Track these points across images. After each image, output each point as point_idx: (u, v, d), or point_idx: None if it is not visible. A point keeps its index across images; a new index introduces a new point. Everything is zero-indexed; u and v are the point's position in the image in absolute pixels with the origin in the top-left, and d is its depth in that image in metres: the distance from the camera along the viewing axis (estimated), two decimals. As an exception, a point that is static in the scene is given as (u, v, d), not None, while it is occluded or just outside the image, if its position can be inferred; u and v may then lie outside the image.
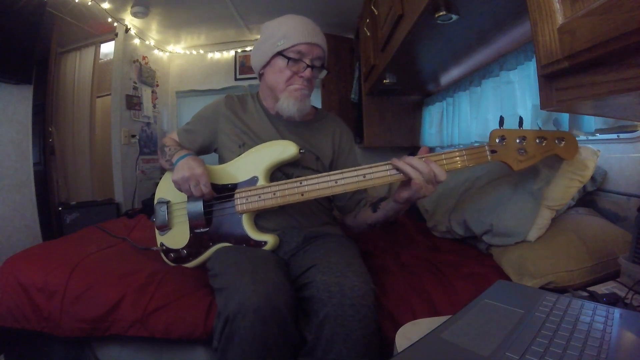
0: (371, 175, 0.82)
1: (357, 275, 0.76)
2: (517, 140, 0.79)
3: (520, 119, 0.79)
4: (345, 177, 0.83)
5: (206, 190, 0.88)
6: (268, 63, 0.98)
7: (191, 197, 0.95)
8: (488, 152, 0.80)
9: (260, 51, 0.99)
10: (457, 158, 0.81)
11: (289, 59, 0.93)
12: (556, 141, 0.79)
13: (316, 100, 2.75)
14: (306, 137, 1.04)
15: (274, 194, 0.88)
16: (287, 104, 0.95)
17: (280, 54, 0.94)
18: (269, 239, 0.92)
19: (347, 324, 0.70)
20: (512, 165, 0.80)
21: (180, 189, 0.91)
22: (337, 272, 0.76)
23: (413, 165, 0.77)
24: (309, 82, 0.97)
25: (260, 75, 1.04)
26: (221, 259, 0.86)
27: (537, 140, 0.79)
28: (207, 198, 0.92)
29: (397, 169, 0.79)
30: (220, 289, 0.75)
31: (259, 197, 0.90)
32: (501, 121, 0.81)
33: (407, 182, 0.79)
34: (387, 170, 0.81)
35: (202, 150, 1.08)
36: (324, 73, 1.01)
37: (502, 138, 0.80)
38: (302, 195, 0.86)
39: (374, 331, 0.73)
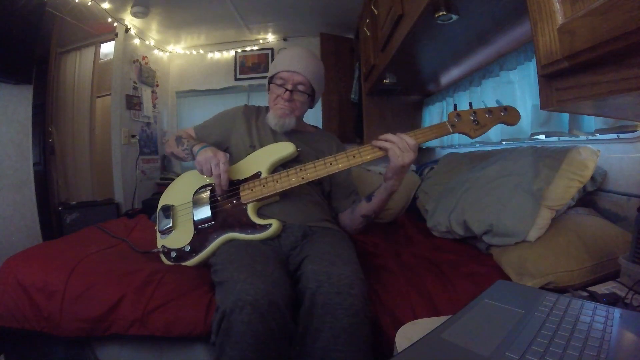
0: (360, 154, 0.97)
1: (346, 264, 0.78)
2: (471, 117, 0.98)
3: (470, 104, 1.02)
4: (338, 159, 0.97)
5: (224, 167, 0.96)
6: (269, 87, 1.18)
7: (197, 201, 1.03)
8: (449, 126, 0.98)
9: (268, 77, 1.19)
10: (426, 132, 0.98)
11: (270, 83, 1.15)
12: (501, 112, 0.97)
13: (316, 100, 2.75)
14: (310, 144, 1.18)
15: (277, 182, 0.98)
16: (270, 119, 1.15)
17: (271, 79, 1.15)
18: (273, 222, 0.96)
19: (333, 312, 0.71)
20: (469, 134, 0.97)
21: (201, 170, 0.99)
22: (325, 261, 0.79)
23: (386, 139, 0.94)
24: (290, 103, 1.12)
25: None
26: (224, 255, 0.88)
27: (487, 114, 0.98)
28: (222, 180, 0.97)
29: (375, 145, 0.95)
30: (220, 283, 0.77)
31: (263, 186, 0.99)
32: (455, 107, 1.02)
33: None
34: (372, 148, 0.96)
35: (215, 147, 1.12)
36: (304, 97, 1.14)
37: (458, 116, 0.98)
38: (302, 178, 0.96)
39: (362, 320, 0.72)
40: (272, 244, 0.95)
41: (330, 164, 0.96)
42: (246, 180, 1.03)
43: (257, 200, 0.99)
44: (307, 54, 1.14)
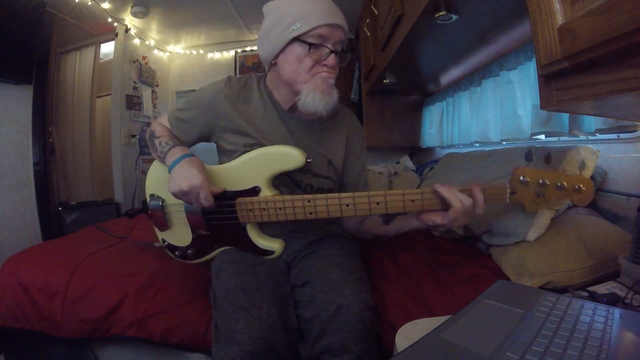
0: (385, 204, 0.78)
1: (354, 293, 0.75)
2: (540, 182, 0.77)
3: (549, 155, 0.77)
4: (357, 203, 0.79)
5: (207, 204, 0.80)
6: (282, 51, 0.84)
7: (190, 209, 0.91)
8: (508, 194, 0.78)
9: (270, 38, 0.85)
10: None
11: (310, 44, 0.80)
12: (575, 187, 0.76)
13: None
14: (319, 139, 0.95)
15: (280, 210, 0.83)
16: (313, 98, 0.82)
17: (297, 39, 0.81)
18: (276, 247, 0.90)
19: (342, 338, 0.70)
20: (526, 206, 0.79)
21: (180, 199, 0.85)
22: (335, 292, 0.75)
23: (457, 195, 0.73)
24: (334, 70, 0.85)
25: (271, 66, 0.90)
26: (223, 274, 0.82)
27: (558, 187, 0.77)
28: (209, 209, 0.85)
29: (442, 197, 0.74)
30: (216, 323, 0.73)
31: (264, 210, 0.84)
32: (529, 155, 0.77)
33: (443, 208, 0.76)
34: (402, 200, 0.77)
35: (199, 141, 0.98)
36: (346, 58, 0.88)
37: (525, 178, 0.77)
38: (311, 214, 0.81)
39: (371, 342, 0.72)
40: (271, 261, 0.90)
41: (347, 205, 0.79)
42: (242, 193, 0.88)
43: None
44: (331, 1, 0.85)
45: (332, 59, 0.82)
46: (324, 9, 0.81)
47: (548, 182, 0.77)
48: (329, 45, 0.82)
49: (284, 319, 0.73)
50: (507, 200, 0.78)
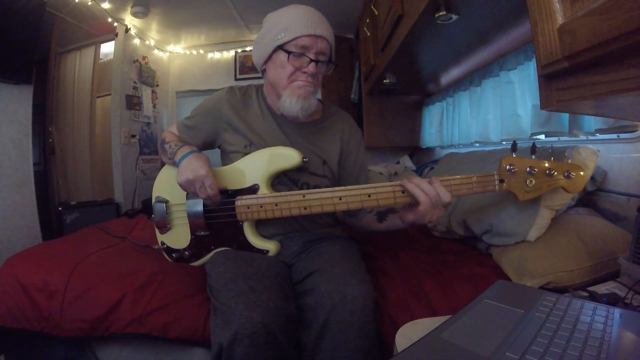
0: (376, 195, 0.82)
1: (360, 283, 0.76)
2: (527, 169, 0.79)
3: (534, 145, 0.78)
4: (350, 195, 0.83)
5: (212, 192, 0.85)
6: (269, 58, 0.92)
7: (192, 198, 0.94)
8: (497, 182, 0.81)
9: (261, 45, 0.93)
10: (466, 186, 0.82)
11: (290, 53, 0.87)
12: (565, 174, 0.78)
13: (316, 100, 2.75)
14: (313, 139, 1.00)
15: (276, 206, 0.87)
16: (290, 102, 0.89)
17: (280, 47, 0.88)
18: (271, 247, 0.92)
19: (346, 331, 0.70)
20: (518, 196, 0.81)
21: (186, 191, 0.91)
22: (340, 281, 0.76)
23: (421, 188, 0.78)
24: (314, 78, 0.91)
25: (263, 72, 0.98)
26: (218, 269, 0.83)
27: (547, 172, 0.78)
28: (213, 200, 0.88)
29: (407, 191, 0.80)
30: (215, 310, 0.74)
31: (261, 206, 0.88)
32: (514, 147, 0.80)
33: (414, 204, 0.81)
34: (392, 191, 0.82)
35: (205, 146, 1.04)
36: (331, 67, 0.96)
37: (512, 166, 0.79)
38: (305, 209, 0.86)
39: (374, 338, 0.73)
40: (270, 257, 0.92)
41: (339, 198, 0.83)
42: (241, 191, 0.92)
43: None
44: (319, 13, 0.91)
45: (311, 67, 0.88)
46: (308, 21, 0.87)
47: (536, 170, 0.78)
48: (310, 55, 0.88)
49: (284, 308, 0.73)
50: (497, 188, 0.81)
